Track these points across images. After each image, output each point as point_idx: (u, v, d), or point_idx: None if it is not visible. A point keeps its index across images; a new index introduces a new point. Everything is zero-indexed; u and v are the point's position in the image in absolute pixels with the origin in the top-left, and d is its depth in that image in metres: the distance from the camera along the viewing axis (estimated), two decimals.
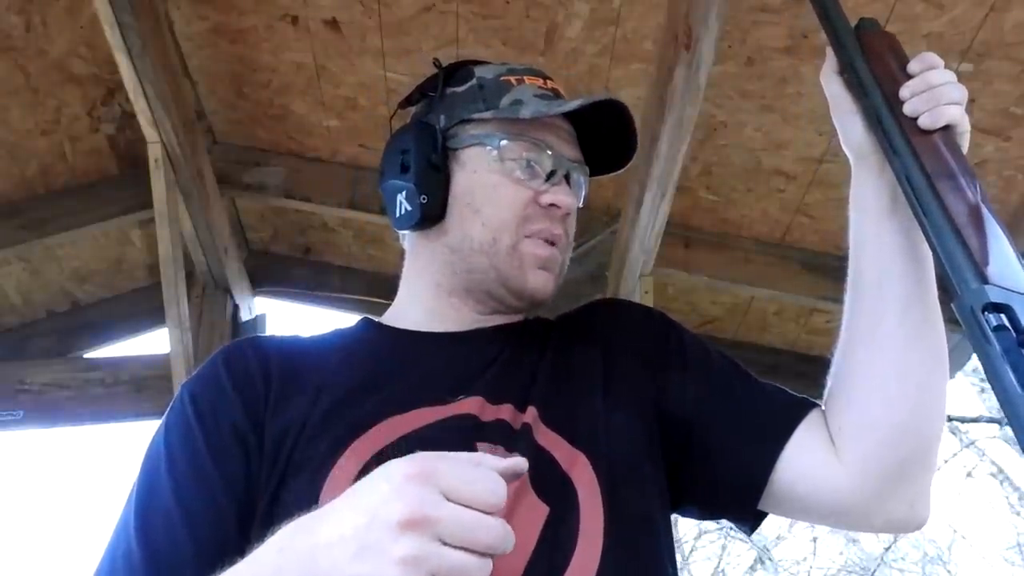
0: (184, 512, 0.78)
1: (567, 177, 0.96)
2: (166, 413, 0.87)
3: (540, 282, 0.93)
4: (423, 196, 0.93)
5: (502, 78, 0.98)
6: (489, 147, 0.94)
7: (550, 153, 0.94)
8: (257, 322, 2.77)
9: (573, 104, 0.93)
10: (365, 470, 0.78)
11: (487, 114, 0.95)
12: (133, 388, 2.51)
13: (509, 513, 0.77)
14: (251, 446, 0.81)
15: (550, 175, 0.94)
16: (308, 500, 0.76)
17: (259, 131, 2.45)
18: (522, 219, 0.93)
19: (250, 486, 0.80)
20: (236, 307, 2.66)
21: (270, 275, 2.84)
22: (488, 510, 0.57)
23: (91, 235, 2.53)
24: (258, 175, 2.49)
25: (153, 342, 2.79)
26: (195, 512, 0.78)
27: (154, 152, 2.12)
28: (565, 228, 0.96)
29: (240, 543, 0.78)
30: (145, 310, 2.72)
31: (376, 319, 1.00)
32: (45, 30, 2.08)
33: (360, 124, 2.35)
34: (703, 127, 2.09)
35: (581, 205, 1.00)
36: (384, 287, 2.81)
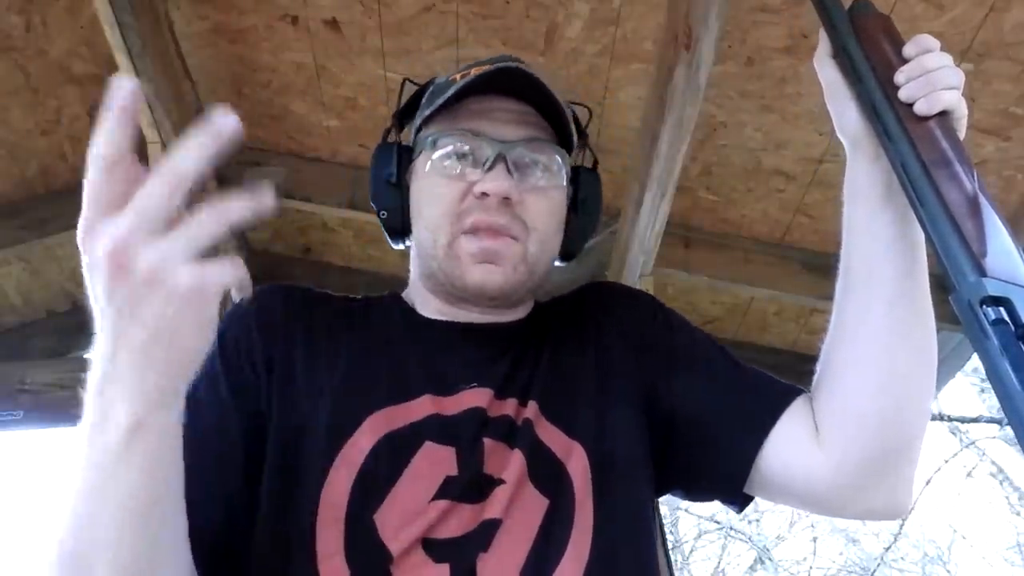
0: (198, 458, 0.75)
1: (508, 161, 0.90)
2: None
3: (479, 276, 0.89)
4: (382, 212, 0.96)
5: (452, 76, 0.96)
6: (426, 149, 0.93)
7: (484, 140, 0.90)
8: None
9: (462, 82, 0.90)
10: (376, 450, 0.80)
11: (424, 115, 0.95)
12: None
13: (508, 506, 0.79)
14: (264, 380, 0.84)
15: (485, 162, 0.90)
16: (320, 472, 0.78)
17: (259, 131, 2.45)
18: (457, 215, 0.90)
19: (261, 412, 0.82)
20: None
21: (270, 275, 2.84)
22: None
23: None
24: (258, 175, 2.49)
25: None
26: (207, 463, 0.78)
27: (154, 152, 2.12)
28: (513, 215, 0.90)
29: (247, 493, 0.79)
30: None
31: (402, 296, 1.02)
32: (45, 30, 2.08)
33: (360, 124, 2.35)
34: (703, 127, 2.09)
35: (548, 184, 0.93)
36: (384, 287, 2.79)
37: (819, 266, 2.36)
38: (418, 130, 0.97)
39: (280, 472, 0.80)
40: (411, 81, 1.03)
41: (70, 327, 2.73)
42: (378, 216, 0.99)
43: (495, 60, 0.95)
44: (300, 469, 0.79)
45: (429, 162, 0.93)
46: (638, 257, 2.22)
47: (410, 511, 0.77)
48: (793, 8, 1.82)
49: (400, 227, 0.97)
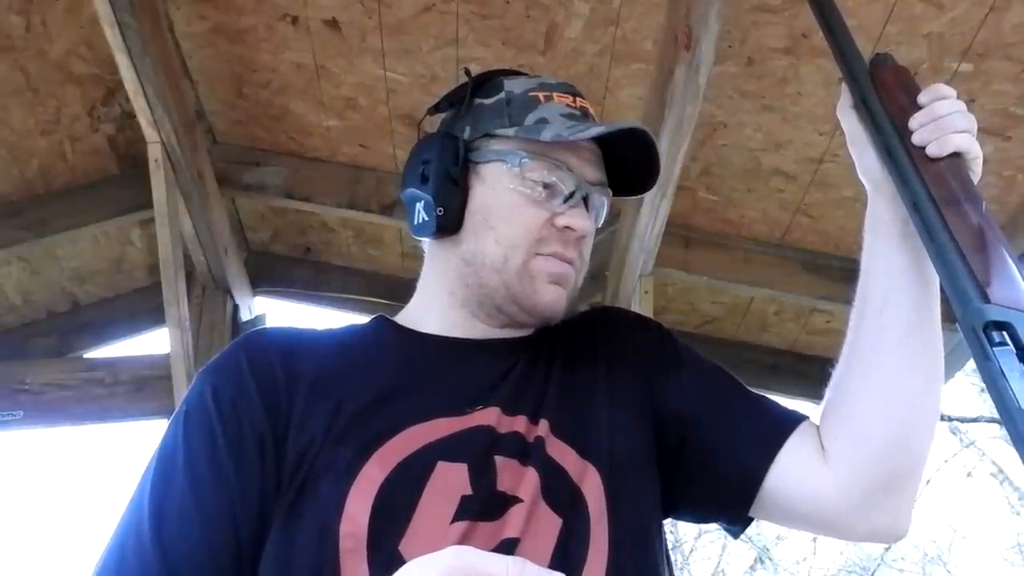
0: (200, 515, 0.78)
1: (586, 200, 0.95)
2: (185, 402, 0.86)
3: (552, 297, 0.93)
4: (440, 208, 0.94)
5: (531, 93, 0.97)
6: (509, 164, 0.93)
7: (570, 175, 0.94)
8: (257, 322, 2.77)
9: (595, 130, 0.92)
10: (391, 478, 0.79)
11: (510, 131, 0.94)
12: (133, 388, 2.51)
13: (525, 525, 0.79)
14: (270, 454, 0.81)
15: (569, 197, 0.93)
16: (334, 505, 0.77)
17: (259, 131, 2.45)
18: (535, 240, 0.92)
19: (265, 492, 0.80)
20: (236, 307, 2.66)
21: (270, 275, 2.84)
22: None
23: (91, 235, 2.53)
24: (258, 175, 2.49)
25: (153, 342, 2.80)
26: (211, 516, 0.78)
27: (154, 152, 2.12)
28: (579, 251, 0.95)
29: (253, 549, 0.79)
30: (145, 310, 2.73)
31: (391, 319, 1.00)
32: (45, 30, 2.08)
33: (360, 124, 2.34)
34: (703, 127, 2.09)
35: (599, 226, 1.00)
36: (384, 287, 2.80)
37: (819, 266, 2.36)
38: (486, 134, 0.96)
39: (292, 510, 0.79)
40: (467, 72, 1.02)
41: (70, 327, 2.73)
42: (426, 210, 0.95)
43: (562, 87, 0.98)
44: (315, 509, 0.78)
45: (513, 179, 0.93)
46: (638, 257, 2.22)
47: (434, 537, 0.76)
48: (793, 8, 1.82)
49: (453, 227, 0.95)
